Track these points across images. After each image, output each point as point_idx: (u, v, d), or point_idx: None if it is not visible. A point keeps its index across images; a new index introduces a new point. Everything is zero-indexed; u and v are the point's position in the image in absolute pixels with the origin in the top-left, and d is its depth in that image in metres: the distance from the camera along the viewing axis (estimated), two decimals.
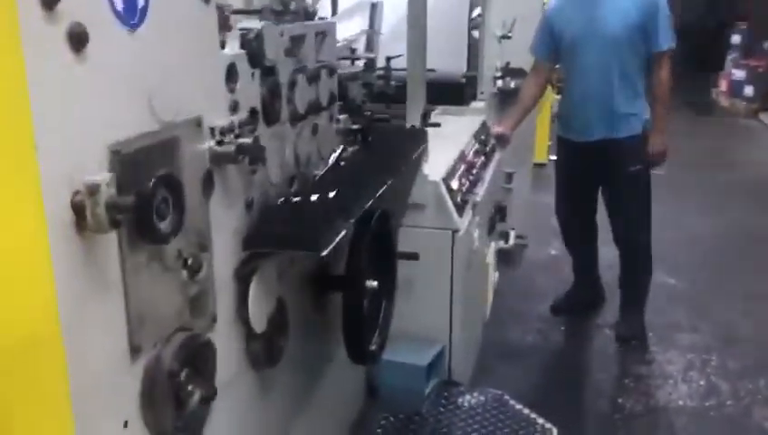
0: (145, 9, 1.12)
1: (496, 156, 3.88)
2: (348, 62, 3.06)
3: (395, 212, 2.60)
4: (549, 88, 7.93)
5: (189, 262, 1.30)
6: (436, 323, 2.75)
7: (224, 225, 1.44)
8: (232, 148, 1.37)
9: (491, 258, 3.69)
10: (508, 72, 5.02)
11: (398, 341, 2.69)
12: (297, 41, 1.79)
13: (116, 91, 1.06)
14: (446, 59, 3.88)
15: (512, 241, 5.21)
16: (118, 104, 1.07)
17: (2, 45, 0.82)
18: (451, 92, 4.07)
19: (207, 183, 1.36)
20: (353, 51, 3.14)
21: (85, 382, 1.03)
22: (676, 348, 3.99)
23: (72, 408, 0.98)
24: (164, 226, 1.05)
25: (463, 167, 2.98)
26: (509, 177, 5.06)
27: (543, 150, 8.12)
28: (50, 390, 0.94)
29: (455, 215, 2.65)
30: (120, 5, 1.06)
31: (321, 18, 2.03)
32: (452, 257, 2.67)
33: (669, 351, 3.96)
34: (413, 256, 2.57)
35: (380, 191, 1.90)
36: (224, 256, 1.45)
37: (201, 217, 1.34)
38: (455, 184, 2.73)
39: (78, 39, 0.97)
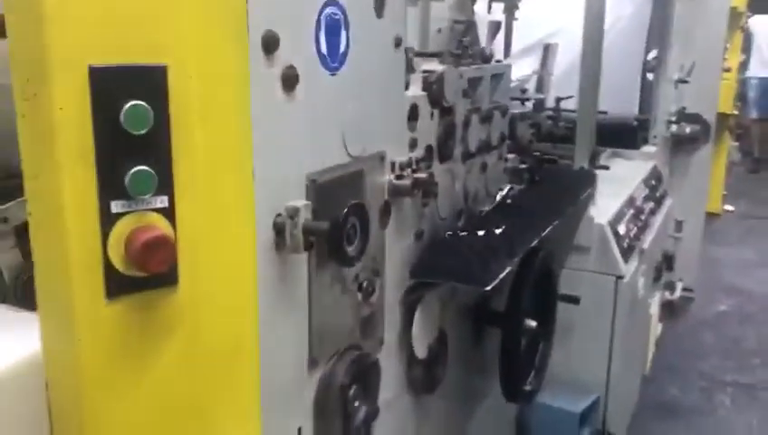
0: (345, 54, 1.24)
1: (667, 202, 3.75)
2: (518, 101, 3.11)
3: (559, 253, 2.60)
4: (727, 134, 7.56)
5: (365, 285, 1.40)
6: (593, 371, 2.69)
7: (395, 253, 1.53)
8: (409, 182, 1.46)
9: (655, 309, 3.55)
10: (683, 117, 4.84)
11: (553, 385, 2.67)
12: (474, 83, 1.87)
13: (317, 127, 1.18)
14: (617, 101, 3.83)
15: (678, 293, 4.97)
16: (318, 138, 1.19)
17: (235, 85, 0.95)
18: (622, 135, 3.98)
19: (385, 213, 1.45)
20: (524, 91, 3.18)
21: (272, 389, 1.14)
22: None
23: (260, 412, 1.08)
24: (351, 250, 1.15)
25: (631, 212, 2.91)
26: (679, 225, 4.84)
27: (717, 200, 7.67)
28: (244, 394, 1.05)
29: (620, 260, 2.59)
30: (324, 49, 1.18)
31: (498, 61, 2.09)
32: (614, 304, 2.61)
33: None
34: (574, 300, 2.55)
35: (546, 231, 1.92)
36: (393, 283, 1.54)
37: (378, 245, 1.44)
38: (621, 229, 2.68)
39: (290, 80, 1.09)
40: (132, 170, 0.83)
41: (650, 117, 4.28)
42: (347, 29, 1.24)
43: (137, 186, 0.83)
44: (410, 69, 1.68)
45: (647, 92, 4.47)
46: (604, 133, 3.79)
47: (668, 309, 4.95)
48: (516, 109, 2.96)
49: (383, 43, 1.38)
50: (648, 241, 3.01)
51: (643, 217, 3.06)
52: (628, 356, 2.88)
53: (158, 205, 0.85)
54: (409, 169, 1.52)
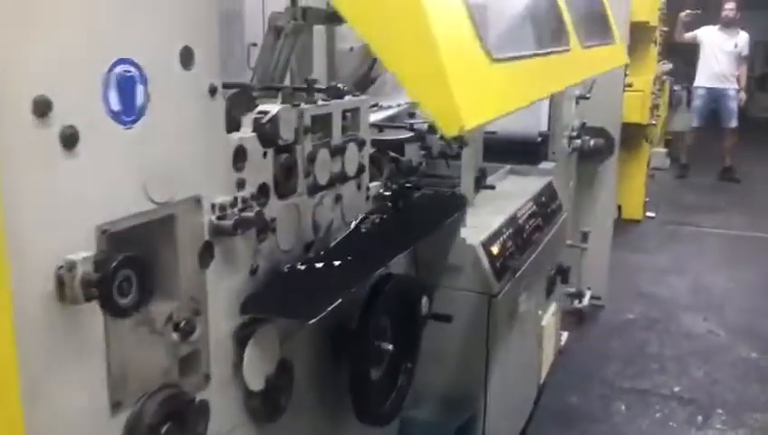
0: (143, 108, 1.29)
1: (561, 217, 3.88)
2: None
3: (431, 275, 2.69)
4: (645, 143, 7.80)
5: (181, 325, 1.45)
6: (470, 388, 2.78)
7: (225, 289, 1.59)
8: (231, 222, 1.52)
9: (549, 320, 3.67)
10: (587, 131, 5.01)
11: (430, 403, 2.76)
12: (320, 119, 1.93)
13: (107, 179, 1.23)
14: (527, 118, 3.95)
15: (586, 301, 5.13)
16: (110, 189, 1.24)
17: None
18: (527, 151, 4.12)
19: (205, 254, 1.50)
20: (412, 115, 3.27)
21: (66, 431, 1.19)
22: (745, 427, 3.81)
23: None
24: (125, 301, 1.19)
25: (510, 230, 3.01)
26: (585, 236, 5.01)
27: (639, 206, 7.92)
28: None
29: (492, 278, 2.69)
30: (116, 105, 1.23)
31: (355, 95, 2.16)
32: (488, 322, 2.71)
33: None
34: (446, 319, 2.64)
35: (393, 259, 1.99)
36: (223, 319, 1.59)
37: (196, 285, 1.49)
38: (496, 248, 2.78)
39: (69, 139, 1.14)
40: None
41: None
42: (144, 84, 1.29)
43: None
44: (251, 107, 1.75)
45: (552, 109, 4.59)
46: (508, 150, 3.94)
47: (576, 317, 5.12)
48: (401, 135, 3.05)
49: (194, 92, 1.43)
50: (530, 258, 3.12)
51: (525, 235, 3.17)
52: (511, 371, 2.99)
53: None
54: (235, 209, 1.58)
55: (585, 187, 5.20)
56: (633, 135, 7.64)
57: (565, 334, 4.71)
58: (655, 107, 8.23)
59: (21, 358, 1.07)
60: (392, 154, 2.83)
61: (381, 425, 2.20)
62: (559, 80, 2.80)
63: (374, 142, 2.43)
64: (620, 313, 5.36)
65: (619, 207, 8.02)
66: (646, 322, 5.22)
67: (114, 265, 1.14)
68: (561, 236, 3.89)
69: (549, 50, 2.60)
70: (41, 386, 1.15)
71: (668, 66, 11.79)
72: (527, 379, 3.44)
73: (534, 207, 3.51)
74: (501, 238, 2.90)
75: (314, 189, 1.92)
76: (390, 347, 2.13)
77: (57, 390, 1.18)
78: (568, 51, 2.84)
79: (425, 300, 2.55)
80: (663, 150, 11.23)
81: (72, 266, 1.13)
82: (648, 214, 8.16)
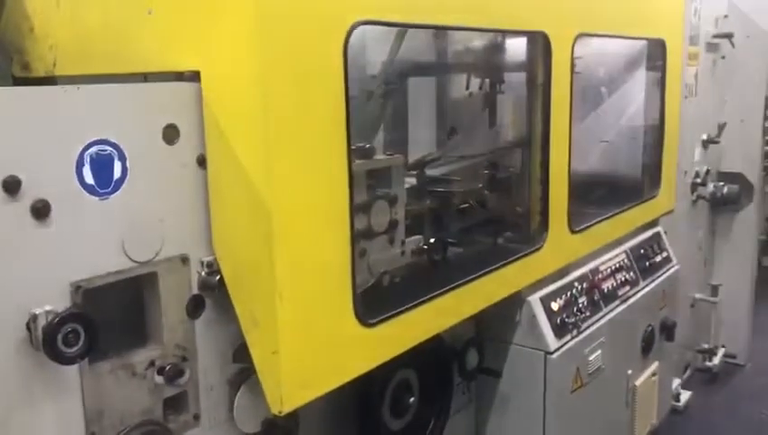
0: (122, 180, 1.50)
1: (670, 269, 3.67)
2: None
3: (485, 327, 2.69)
4: None
5: (167, 369, 1.63)
6: None
7: (218, 338, 1.75)
8: (216, 278, 1.69)
9: (646, 380, 3.46)
10: (722, 176, 4.71)
11: None
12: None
13: (82, 242, 1.44)
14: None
15: (716, 360, 4.76)
16: (84, 251, 1.45)
17: None
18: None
19: (194, 306, 1.68)
20: None
21: None
22: None
23: None
24: (71, 351, 1.38)
25: (584, 285, 2.93)
26: (714, 289, 4.67)
27: None
28: None
29: (548, 335, 2.64)
30: (90, 181, 1.44)
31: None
32: (545, 380, 2.65)
33: None
34: (495, 373, 2.64)
35: None
36: (216, 365, 1.76)
37: (184, 334, 1.67)
38: (556, 304, 2.72)
39: (40, 211, 1.37)
40: None
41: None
42: (122, 160, 1.50)
43: None
44: None
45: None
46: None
47: (708, 376, 4.76)
48: None
49: (180, 164, 1.62)
50: (610, 314, 3.01)
51: (606, 290, 3.06)
52: (578, 429, 2.88)
53: None
54: None
55: (721, 237, 4.85)
56: None
57: (687, 394, 4.40)
58: None
59: None
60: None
61: None
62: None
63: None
64: (762, 376, 4.88)
65: None
66: None
67: (57, 319, 1.34)
68: (667, 291, 3.67)
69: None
70: (14, 415, 1.37)
71: None
72: None
73: (627, 259, 3.37)
74: (568, 293, 2.83)
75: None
76: (413, 400, 2.18)
77: (32, 420, 1.40)
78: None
79: (472, 353, 2.59)
80: None
81: (35, 319, 1.35)
82: None
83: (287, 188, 1.61)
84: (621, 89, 3.83)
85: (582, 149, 3.94)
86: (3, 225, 1.32)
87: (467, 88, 3.17)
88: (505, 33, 2.78)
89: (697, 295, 4.60)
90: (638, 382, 3.39)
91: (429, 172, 2.96)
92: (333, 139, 1.70)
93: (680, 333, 4.40)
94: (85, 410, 1.49)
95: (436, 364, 2.36)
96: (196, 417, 1.73)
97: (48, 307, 1.38)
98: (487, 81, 3.19)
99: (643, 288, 3.40)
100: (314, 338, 1.73)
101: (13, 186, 1.33)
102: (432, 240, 2.43)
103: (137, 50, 1.65)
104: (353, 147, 2.18)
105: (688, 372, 4.71)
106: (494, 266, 2.44)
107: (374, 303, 2.07)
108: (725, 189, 4.61)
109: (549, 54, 2.57)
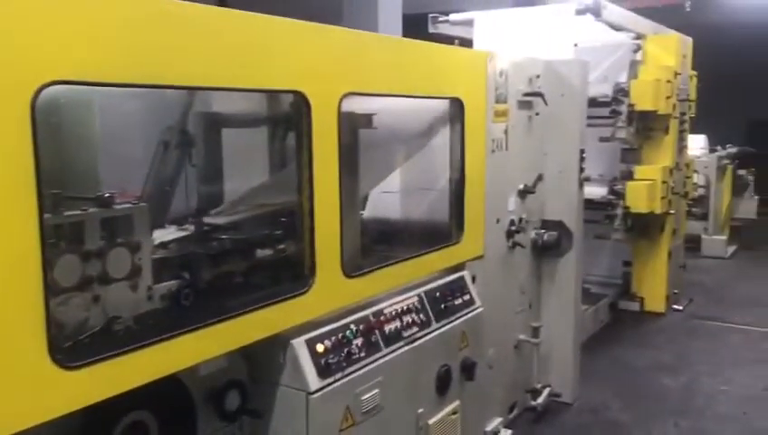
0: None
1: (473, 311, 3.88)
2: None
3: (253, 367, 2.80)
4: (661, 231, 7.51)
5: None
6: None
7: None
8: None
9: (443, 418, 3.62)
10: (544, 224, 5.01)
11: None
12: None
13: None
14: None
15: (542, 399, 5.00)
16: None
17: None
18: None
19: None
20: None
21: None
22: None
23: None
24: None
25: (359, 327, 3.09)
26: (535, 331, 4.93)
27: (660, 299, 7.59)
28: None
29: (310, 375, 2.77)
30: None
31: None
32: (307, 419, 2.77)
33: None
34: (256, 414, 2.75)
35: None
36: None
37: None
38: (322, 346, 2.87)
39: None
40: None
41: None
42: None
43: None
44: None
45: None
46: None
47: (534, 415, 4.98)
48: None
49: None
50: (392, 354, 3.18)
51: (388, 331, 3.23)
52: None
53: None
54: None
55: (545, 281, 5.14)
56: (650, 224, 7.42)
57: (507, 432, 4.61)
58: (683, 195, 7.96)
59: None
60: None
61: None
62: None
63: None
64: (587, 413, 5.14)
65: (642, 299, 7.75)
66: (607, 425, 4.98)
67: None
68: (468, 332, 3.87)
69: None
70: None
71: (731, 150, 11.38)
72: None
73: (418, 302, 3.55)
74: (339, 335, 2.98)
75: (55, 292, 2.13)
76: None
77: None
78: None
79: (233, 394, 2.70)
80: (721, 238, 10.75)
81: None
82: (675, 307, 7.79)
83: None
84: (429, 142, 4.09)
85: (387, 198, 4.19)
86: None
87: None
88: (263, 92, 2.96)
89: (521, 337, 4.85)
90: (431, 421, 3.55)
91: (213, 220, 3.12)
92: (15, 193, 1.80)
93: (503, 374, 4.64)
94: None
95: (174, 406, 2.45)
96: None
97: None
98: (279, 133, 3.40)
99: (436, 330, 3.59)
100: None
101: None
102: (185, 285, 2.56)
103: None
104: (89, 196, 2.33)
105: (515, 412, 4.92)
106: (249, 308, 2.58)
107: (99, 345, 2.17)
108: (546, 236, 4.92)
109: (309, 113, 2.76)
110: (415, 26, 6.59)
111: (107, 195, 2.35)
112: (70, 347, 2.03)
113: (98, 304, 2.27)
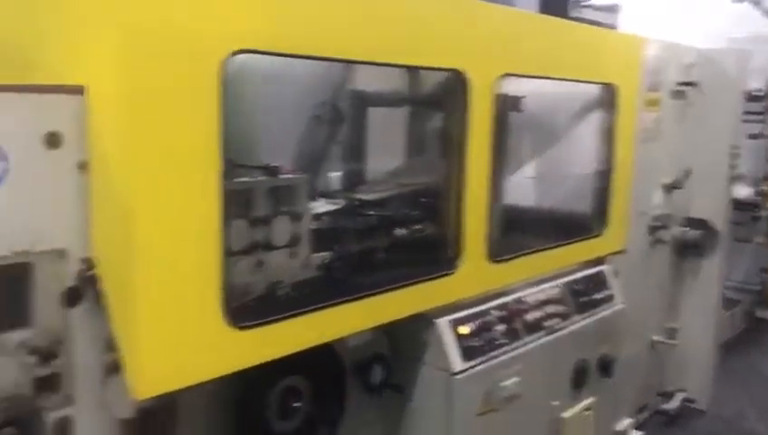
0: (2, 177, 1.70)
1: (612, 307, 3.75)
2: None
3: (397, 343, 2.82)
4: None
5: (39, 350, 1.82)
6: None
7: (97, 327, 1.92)
8: (92, 273, 1.87)
9: (576, 414, 3.52)
10: (688, 222, 4.78)
11: None
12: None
13: None
14: None
15: (675, 403, 4.79)
16: None
17: None
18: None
19: (70, 296, 1.86)
20: None
21: None
22: None
23: None
24: None
25: (504, 312, 3.05)
26: (671, 332, 4.72)
27: None
28: None
29: (455, 357, 2.76)
30: None
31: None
32: (450, 400, 2.76)
33: None
34: (398, 389, 2.77)
35: None
36: (93, 352, 1.93)
37: (60, 321, 1.85)
38: (466, 329, 2.84)
39: None
40: None
41: None
42: (4, 160, 1.70)
43: None
44: None
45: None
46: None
47: (666, 419, 4.78)
48: None
49: (61, 168, 1.81)
50: (533, 343, 3.12)
51: (531, 319, 3.17)
52: None
53: None
54: None
55: (686, 282, 4.90)
56: None
57: (638, 434, 4.43)
58: None
59: None
60: None
61: None
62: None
63: None
64: (721, 421, 4.88)
65: None
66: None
67: None
68: (608, 329, 3.74)
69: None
70: None
71: None
72: None
73: (560, 293, 3.46)
74: (483, 319, 2.95)
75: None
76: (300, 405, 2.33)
77: None
78: None
79: (377, 368, 2.73)
80: None
81: None
82: None
83: (153, 196, 1.80)
84: (574, 129, 3.97)
85: (528, 185, 4.09)
86: None
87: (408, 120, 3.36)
88: (423, 69, 2.95)
89: (655, 337, 4.65)
90: (565, 415, 3.46)
91: (364, 196, 3.15)
92: (202, 153, 1.88)
93: (635, 374, 4.46)
94: None
95: (328, 374, 2.50)
96: (70, 398, 1.90)
97: None
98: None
99: (576, 322, 3.49)
100: (177, 334, 1.90)
101: None
102: (337, 257, 2.60)
103: (28, 63, 1.87)
104: (258, 164, 2.40)
105: (645, 414, 4.73)
106: (398, 285, 2.59)
107: (265, 308, 2.24)
108: (689, 235, 4.68)
109: (466, 92, 2.73)
110: (551, 9, 6.39)
111: (274, 165, 2.41)
112: (238, 309, 2.09)
113: (262, 269, 2.33)
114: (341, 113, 3.28)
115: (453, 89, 2.76)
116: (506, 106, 3.26)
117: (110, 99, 1.77)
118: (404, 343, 2.84)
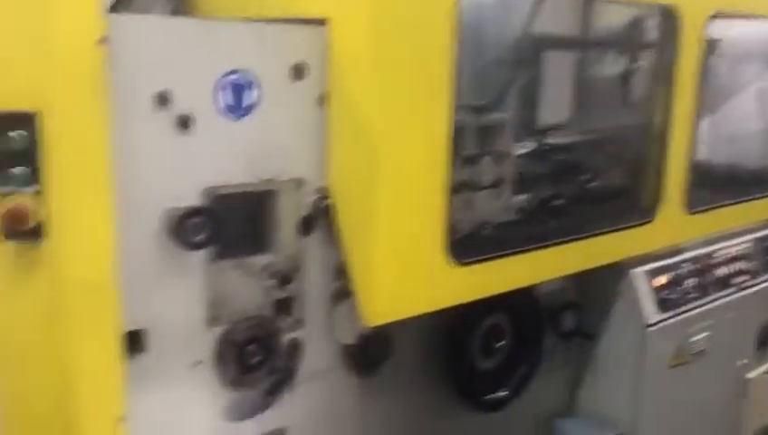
0: (252, 106, 1.77)
1: None
2: None
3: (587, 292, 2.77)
4: None
5: (278, 274, 1.90)
6: (619, 409, 2.78)
7: (327, 255, 1.99)
8: (325, 204, 1.93)
9: (759, 376, 3.36)
10: None
11: (580, 417, 2.86)
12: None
13: (215, 155, 1.73)
14: None
15: None
16: (216, 163, 1.73)
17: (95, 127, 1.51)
18: None
19: (305, 224, 1.93)
20: None
21: (163, 332, 1.72)
22: None
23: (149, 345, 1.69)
24: (197, 239, 1.67)
25: (697, 266, 2.93)
26: None
27: None
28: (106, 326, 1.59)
29: (649, 308, 2.68)
30: (225, 103, 1.72)
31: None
32: (642, 351, 2.70)
33: None
34: (589, 336, 2.73)
35: None
36: (323, 279, 2.00)
37: (297, 247, 1.92)
38: (661, 281, 2.75)
39: (183, 123, 1.66)
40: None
41: None
42: (255, 89, 1.76)
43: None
44: None
45: None
46: None
47: None
48: None
49: (303, 100, 1.86)
50: (722, 300, 2.99)
51: (720, 276, 3.03)
52: (673, 406, 2.87)
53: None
54: None
55: None
56: None
57: None
58: None
59: (137, 273, 1.62)
60: None
61: (485, 411, 2.40)
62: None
63: None
64: None
65: None
66: None
67: (182, 213, 1.63)
68: None
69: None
70: (152, 292, 1.69)
71: None
72: (711, 422, 3.21)
73: (752, 249, 3.29)
74: (676, 272, 2.85)
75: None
76: (501, 343, 2.34)
77: (166, 298, 1.71)
78: None
79: (569, 315, 2.70)
80: None
81: (170, 212, 1.65)
82: None
83: (394, 128, 1.83)
84: None
85: (721, 136, 3.86)
86: (152, 130, 1.63)
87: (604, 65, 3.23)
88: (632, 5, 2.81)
89: None
90: (750, 375, 3.32)
91: (554, 140, 3.07)
92: (438, 89, 1.89)
93: None
94: (208, 296, 1.79)
95: (528, 316, 2.49)
96: (301, 321, 1.99)
97: (184, 204, 1.68)
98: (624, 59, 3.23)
99: (765, 281, 3.30)
100: (407, 267, 1.94)
101: (164, 99, 1.63)
102: (539, 200, 2.56)
103: None
104: (468, 103, 2.38)
105: None
106: (597, 232, 2.53)
107: (472, 246, 2.25)
108: None
109: (675, 31, 2.59)
110: None
111: (482, 103, 2.38)
112: (454, 246, 2.10)
113: (470, 209, 2.33)
114: (531, 55, 3.18)
115: (663, 29, 2.62)
116: (709, 49, 3.08)
117: (357, 31, 1.79)
118: (596, 291, 2.78)
